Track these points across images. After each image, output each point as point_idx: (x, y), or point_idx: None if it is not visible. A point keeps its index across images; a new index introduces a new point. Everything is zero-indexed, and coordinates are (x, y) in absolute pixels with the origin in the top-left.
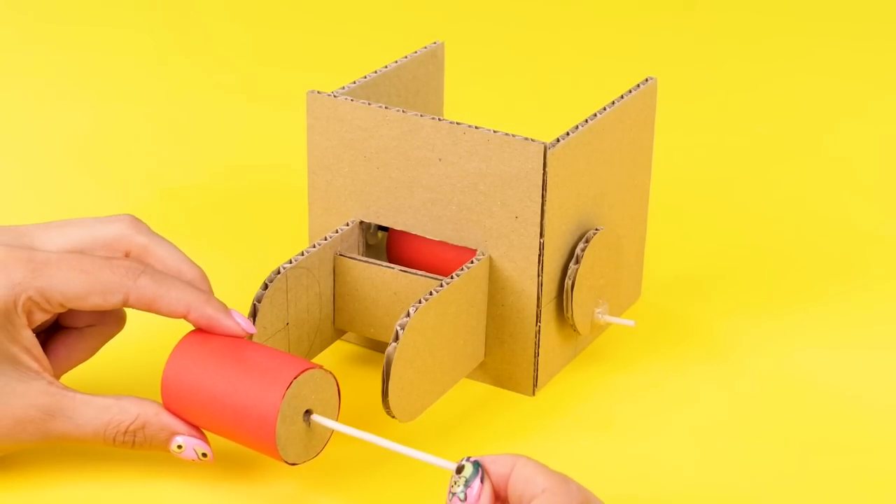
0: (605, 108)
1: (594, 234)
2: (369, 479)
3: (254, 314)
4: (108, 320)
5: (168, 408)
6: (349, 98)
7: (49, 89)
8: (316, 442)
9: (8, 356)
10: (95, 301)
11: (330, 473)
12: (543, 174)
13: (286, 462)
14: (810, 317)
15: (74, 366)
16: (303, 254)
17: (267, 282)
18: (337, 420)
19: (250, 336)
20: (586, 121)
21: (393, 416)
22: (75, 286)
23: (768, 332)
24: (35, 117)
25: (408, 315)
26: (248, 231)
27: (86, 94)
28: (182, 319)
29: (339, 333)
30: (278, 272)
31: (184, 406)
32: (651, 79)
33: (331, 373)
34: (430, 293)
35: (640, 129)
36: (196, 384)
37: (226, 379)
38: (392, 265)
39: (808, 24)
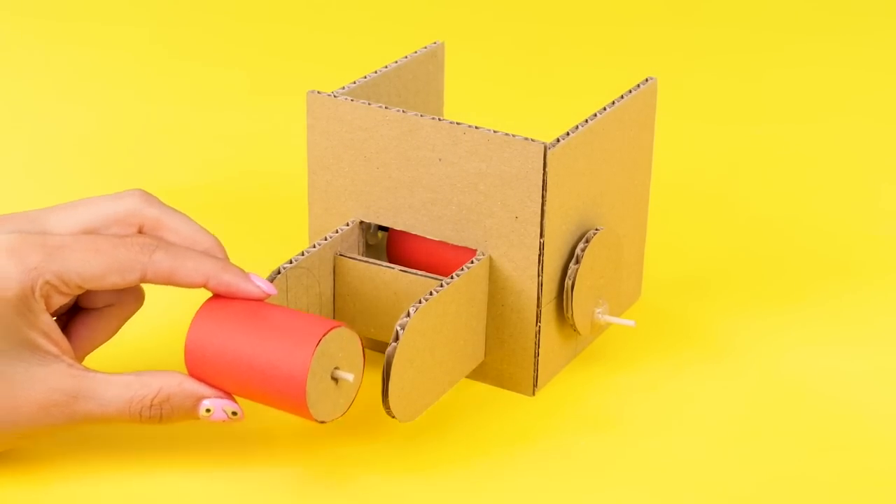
0: (605, 108)
1: (594, 234)
2: (371, 477)
3: None
4: (127, 299)
5: (193, 375)
6: (349, 98)
7: (51, 88)
8: (343, 400)
9: (26, 342)
10: (113, 280)
11: (331, 469)
12: (543, 174)
13: (316, 420)
14: (810, 316)
15: (96, 347)
16: (303, 254)
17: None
18: (361, 379)
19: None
20: (586, 121)
21: (393, 416)
22: (92, 267)
23: (768, 332)
24: (37, 116)
25: (408, 315)
26: (248, 231)
27: (87, 93)
28: (201, 291)
29: None
30: (278, 272)
31: (209, 371)
32: (651, 79)
33: (355, 331)
34: (430, 293)
35: (640, 129)
36: (221, 348)
37: (252, 340)
38: (392, 265)
39: (807, 26)
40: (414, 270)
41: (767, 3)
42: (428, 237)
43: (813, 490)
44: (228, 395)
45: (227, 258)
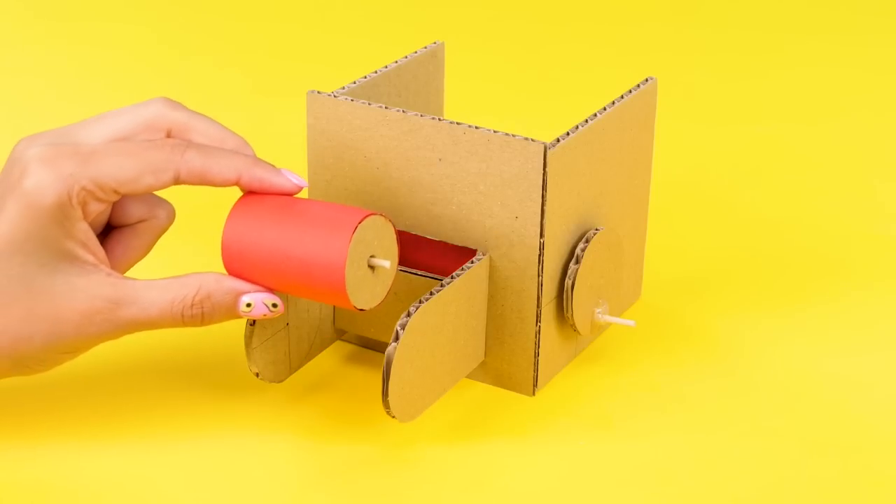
0: (605, 108)
1: (594, 234)
2: (371, 477)
3: None
4: (159, 213)
5: (232, 273)
6: (349, 98)
7: (47, 88)
8: (380, 288)
9: (64, 252)
10: (148, 182)
11: (331, 469)
12: (543, 174)
13: (355, 308)
14: (811, 317)
15: (132, 265)
16: None
17: None
18: (396, 266)
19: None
20: (586, 121)
21: (393, 416)
22: (126, 170)
23: (768, 333)
24: (33, 117)
25: (408, 315)
26: None
27: (84, 93)
28: (231, 197)
29: (339, 333)
30: None
31: (247, 266)
32: (651, 79)
33: (390, 220)
34: (430, 293)
35: (640, 129)
36: (257, 242)
37: (288, 232)
38: None
39: (808, 25)
40: (414, 270)
41: (767, 3)
42: (428, 237)
43: (813, 491)
44: (268, 289)
45: (255, 155)
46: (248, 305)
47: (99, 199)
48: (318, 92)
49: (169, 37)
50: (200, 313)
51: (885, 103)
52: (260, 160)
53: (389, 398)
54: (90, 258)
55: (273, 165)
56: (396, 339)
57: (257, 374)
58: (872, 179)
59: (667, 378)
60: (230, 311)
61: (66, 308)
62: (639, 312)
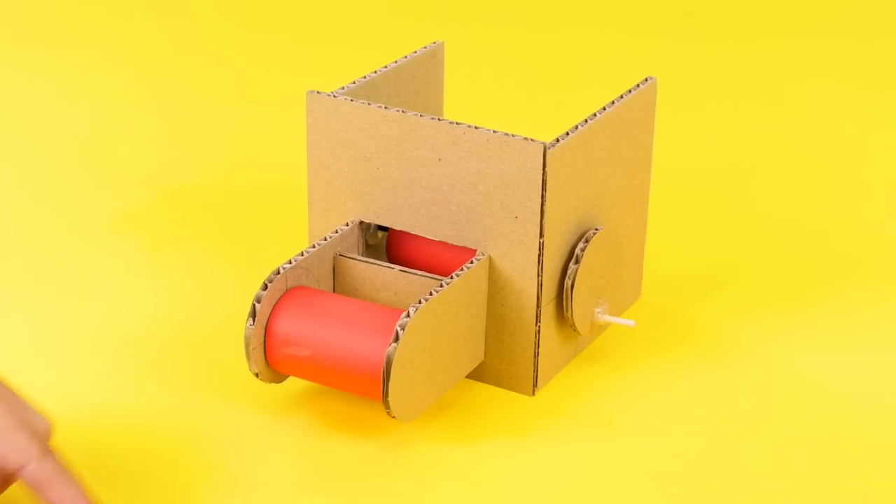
0: (604, 108)
1: (594, 233)
2: (371, 477)
3: (254, 314)
4: None
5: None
6: (349, 98)
7: (46, 92)
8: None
9: None
10: None
11: (331, 469)
12: (543, 174)
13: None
14: (810, 317)
15: None
16: (302, 254)
17: (267, 282)
18: None
19: None
20: (586, 121)
21: (393, 417)
22: None
23: (767, 333)
24: (32, 120)
25: (408, 315)
26: (248, 231)
27: (83, 96)
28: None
29: None
30: (278, 272)
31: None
32: (651, 79)
33: None
34: (430, 293)
35: (640, 129)
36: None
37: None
38: (392, 265)
39: (808, 25)
40: (414, 270)
41: (767, 4)
42: (428, 237)
43: (813, 491)
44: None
45: None
46: None
47: None
48: (318, 92)
49: (171, 37)
50: None
51: (885, 103)
52: None
53: (389, 398)
54: None
55: None
56: (396, 339)
57: (257, 375)
58: (875, 180)
59: (667, 378)
60: None
61: None
62: (639, 312)
